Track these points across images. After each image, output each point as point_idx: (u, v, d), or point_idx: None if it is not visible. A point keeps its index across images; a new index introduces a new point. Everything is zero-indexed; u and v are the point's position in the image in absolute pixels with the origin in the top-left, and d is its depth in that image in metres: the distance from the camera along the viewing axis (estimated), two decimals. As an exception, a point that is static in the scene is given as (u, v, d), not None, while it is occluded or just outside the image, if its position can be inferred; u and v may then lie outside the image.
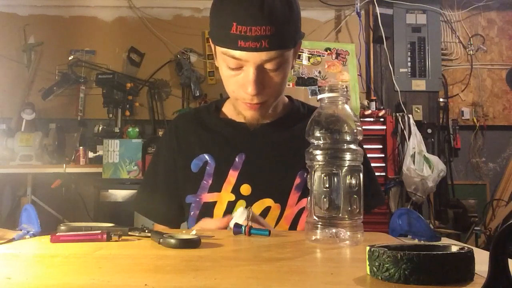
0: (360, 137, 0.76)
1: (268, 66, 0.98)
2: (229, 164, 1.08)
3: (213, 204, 1.06)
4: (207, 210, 1.06)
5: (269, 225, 0.98)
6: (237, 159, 1.08)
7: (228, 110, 1.16)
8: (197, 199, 1.07)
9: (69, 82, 3.44)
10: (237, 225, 0.83)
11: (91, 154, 3.16)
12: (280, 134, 1.12)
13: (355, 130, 0.75)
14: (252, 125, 1.11)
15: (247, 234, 0.81)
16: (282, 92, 1.08)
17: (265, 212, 1.05)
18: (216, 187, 1.07)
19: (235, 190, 1.06)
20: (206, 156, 1.09)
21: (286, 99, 1.19)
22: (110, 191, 2.95)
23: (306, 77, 3.28)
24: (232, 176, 1.07)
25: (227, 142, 1.12)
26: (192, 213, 1.08)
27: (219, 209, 1.05)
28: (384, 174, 3.23)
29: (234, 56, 0.96)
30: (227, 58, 0.98)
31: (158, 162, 1.19)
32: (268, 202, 1.05)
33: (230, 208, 1.04)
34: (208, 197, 1.07)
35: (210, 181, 1.07)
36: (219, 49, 1.00)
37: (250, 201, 1.05)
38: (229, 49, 0.96)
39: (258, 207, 1.05)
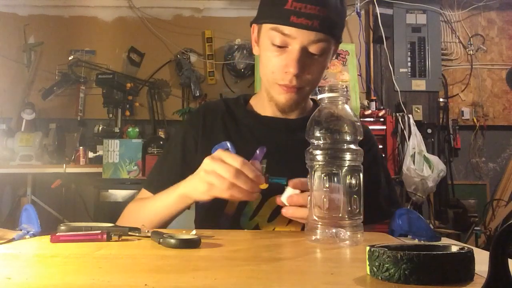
0: (360, 137, 0.76)
1: (313, 49, 1.00)
2: (249, 156, 1.07)
3: None
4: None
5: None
6: (258, 152, 1.08)
7: (255, 104, 1.18)
8: None
9: (69, 82, 3.45)
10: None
11: (91, 154, 3.16)
12: (303, 133, 1.12)
13: (355, 130, 0.75)
14: (282, 111, 1.10)
15: (266, 182, 0.83)
16: (317, 85, 1.09)
17: (279, 208, 1.04)
18: None
19: None
20: (228, 144, 1.10)
21: (311, 102, 1.21)
22: (110, 191, 2.95)
23: (306, 77, 3.28)
24: None
25: (250, 133, 1.12)
26: None
27: None
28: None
29: (283, 31, 0.98)
30: (274, 34, 1.00)
31: (175, 141, 1.18)
32: None
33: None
34: None
35: None
36: (267, 27, 1.02)
37: (265, 194, 1.04)
38: (280, 24, 0.99)
39: (272, 203, 1.04)
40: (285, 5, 0.97)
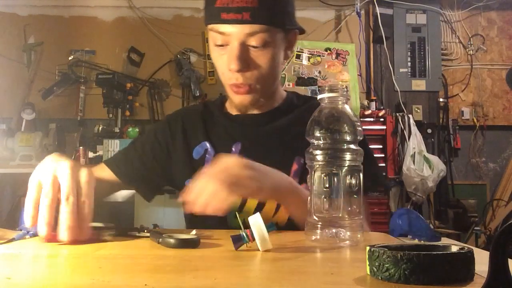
0: (360, 137, 0.76)
1: (253, 42, 0.99)
2: (226, 153, 1.09)
3: None
4: None
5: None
6: (233, 149, 1.10)
7: (228, 104, 1.20)
8: None
9: (69, 82, 3.44)
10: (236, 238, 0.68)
11: (91, 154, 3.15)
12: (274, 124, 1.13)
13: (355, 130, 0.75)
14: (242, 111, 1.12)
15: (251, 240, 0.67)
16: (271, 79, 1.07)
17: (263, 202, 1.04)
18: None
19: None
20: (207, 144, 1.12)
21: (284, 93, 1.21)
22: (110, 191, 2.94)
23: (306, 77, 3.28)
24: None
25: (225, 132, 1.14)
26: None
27: None
28: (384, 174, 3.23)
29: (219, 30, 0.99)
30: (214, 35, 1.00)
31: (150, 134, 1.19)
32: None
33: None
34: None
35: None
36: (208, 29, 1.02)
37: None
38: (214, 24, 0.99)
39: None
40: (215, 3, 0.97)
